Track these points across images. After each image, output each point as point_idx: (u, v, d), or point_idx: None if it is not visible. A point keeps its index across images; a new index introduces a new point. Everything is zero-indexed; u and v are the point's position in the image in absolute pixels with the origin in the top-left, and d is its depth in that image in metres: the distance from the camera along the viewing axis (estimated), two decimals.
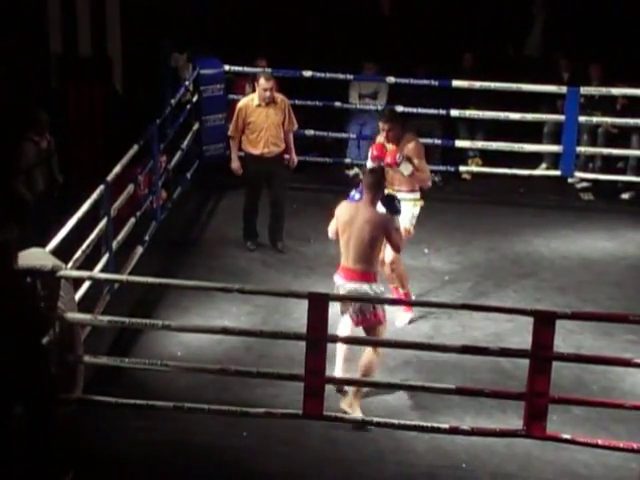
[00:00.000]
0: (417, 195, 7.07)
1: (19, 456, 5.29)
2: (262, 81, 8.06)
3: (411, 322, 7.14)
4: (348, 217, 6.11)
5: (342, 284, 6.11)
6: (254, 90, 9.94)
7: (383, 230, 6.07)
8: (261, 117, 8.08)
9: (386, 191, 6.50)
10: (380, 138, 7.07)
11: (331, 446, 5.84)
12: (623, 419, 5.99)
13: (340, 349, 6.17)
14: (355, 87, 10.02)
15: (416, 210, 7.07)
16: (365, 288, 6.04)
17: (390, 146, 6.92)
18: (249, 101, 8.16)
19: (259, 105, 8.09)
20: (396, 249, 6.30)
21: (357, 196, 6.30)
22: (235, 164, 8.25)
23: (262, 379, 6.10)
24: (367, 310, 6.03)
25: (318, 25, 10.71)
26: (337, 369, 6.14)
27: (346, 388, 6.07)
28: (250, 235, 8.31)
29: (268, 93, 8.06)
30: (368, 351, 6.07)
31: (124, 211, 7.58)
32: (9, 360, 5.11)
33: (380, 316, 6.08)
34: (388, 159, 6.84)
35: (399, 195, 6.62)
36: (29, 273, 5.47)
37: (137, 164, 8.19)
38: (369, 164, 6.96)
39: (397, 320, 7.02)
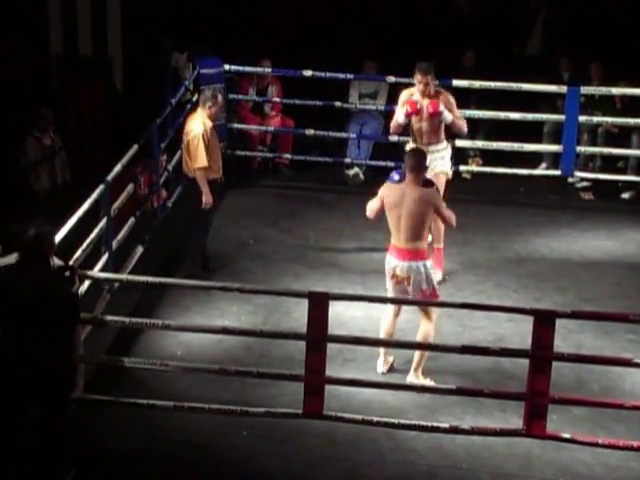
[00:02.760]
0: (445, 144, 7.56)
1: (24, 455, 5.30)
2: (221, 99, 7.76)
3: (412, 322, 7.13)
4: (396, 198, 6.29)
5: (397, 264, 6.26)
6: (259, 91, 9.97)
7: (433, 206, 6.29)
8: (215, 140, 7.64)
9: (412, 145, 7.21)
10: (414, 93, 7.49)
11: (331, 446, 5.84)
12: (623, 418, 6.00)
13: (384, 325, 6.45)
14: (355, 86, 10.02)
15: (449, 155, 7.60)
16: (419, 265, 6.23)
17: (423, 100, 7.38)
18: (209, 126, 7.56)
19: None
20: (447, 223, 6.49)
21: (396, 177, 6.47)
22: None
23: (262, 379, 6.11)
24: (426, 287, 6.22)
25: (319, 24, 10.72)
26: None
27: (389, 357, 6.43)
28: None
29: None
30: (425, 322, 6.31)
31: (124, 210, 7.58)
32: (44, 356, 5.12)
33: (437, 292, 6.32)
34: (430, 109, 7.36)
35: (430, 147, 7.31)
36: (66, 268, 5.43)
37: (137, 164, 8.19)
38: (400, 119, 7.43)
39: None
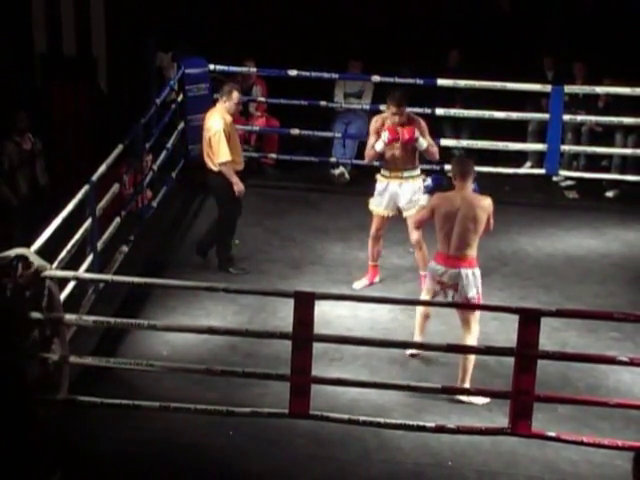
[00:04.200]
0: (419, 170, 7.51)
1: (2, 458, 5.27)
2: (237, 94, 7.80)
3: (397, 321, 7.15)
4: (452, 207, 6.29)
5: (444, 271, 6.30)
6: (244, 91, 9.94)
7: (488, 213, 6.33)
8: (235, 134, 7.83)
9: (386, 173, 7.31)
10: (386, 119, 7.37)
11: (317, 445, 5.84)
12: (608, 416, 6.02)
13: (419, 324, 6.61)
14: (340, 86, 10.03)
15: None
16: (468, 273, 6.28)
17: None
18: (228, 120, 7.66)
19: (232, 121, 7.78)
20: (487, 231, 6.47)
21: (429, 183, 6.80)
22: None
23: (248, 378, 6.10)
24: (472, 295, 6.27)
25: (303, 24, 10.72)
26: (415, 337, 6.59)
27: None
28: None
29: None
30: (466, 333, 6.30)
31: (109, 211, 7.57)
32: None
33: (480, 299, 6.36)
34: (406, 136, 7.27)
35: (406, 173, 7.34)
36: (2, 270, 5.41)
37: (122, 164, 8.17)
38: (379, 147, 7.33)
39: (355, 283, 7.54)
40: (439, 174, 7.02)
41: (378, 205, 7.50)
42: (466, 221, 6.27)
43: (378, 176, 7.54)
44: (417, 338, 6.59)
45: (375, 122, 7.45)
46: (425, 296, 6.49)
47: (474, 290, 6.30)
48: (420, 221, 6.68)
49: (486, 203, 6.36)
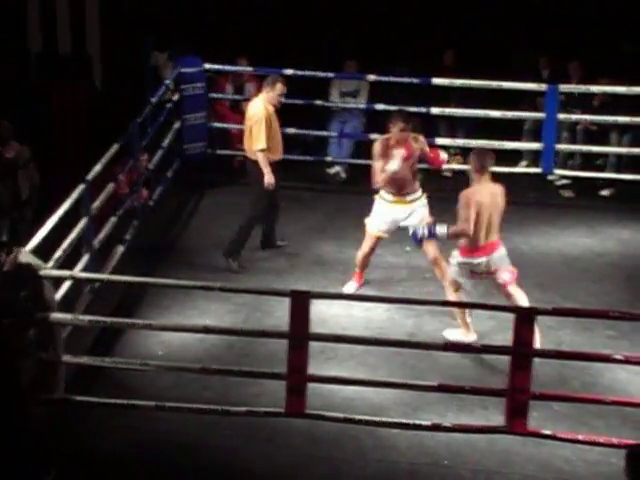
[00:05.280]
0: (420, 191, 7.38)
1: None
2: (281, 86, 7.87)
3: (392, 320, 7.16)
4: (489, 198, 6.60)
5: (486, 261, 6.61)
6: (236, 89, 9.97)
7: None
8: (276, 123, 7.94)
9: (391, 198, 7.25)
10: (390, 139, 7.19)
11: (313, 444, 5.84)
12: (603, 414, 6.03)
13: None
14: (336, 85, 10.02)
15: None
16: (502, 252, 6.69)
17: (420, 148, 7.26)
18: (270, 110, 7.81)
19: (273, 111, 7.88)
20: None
21: (422, 232, 6.84)
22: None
23: (244, 377, 6.10)
24: (507, 265, 6.67)
25: (299, 23, 10.72)
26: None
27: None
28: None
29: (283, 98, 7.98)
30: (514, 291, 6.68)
31: (105, 210, 7.56)
32: None
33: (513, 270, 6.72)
34: (405, 154, 7.14)
35: (409, 197, 7.22)
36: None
37: (118, 163, 8.17)
38: (395, 166, 7.10)
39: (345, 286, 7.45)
40: (433, 226, 6.78)
41: (378, 228, 7.29)
42: (493, 211, 6.58)
43: (377, 198, 7.30)
44: (470, 335, 6.77)
45: (379, 145, 7.20)
46: (454, 294, 6.72)
47: (506, 270, 6.64)
48: (471, 221, 6.51)
49: (501, 189, 6.68)
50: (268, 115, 7.75)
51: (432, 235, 6.78)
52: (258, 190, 7.85)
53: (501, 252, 6.68)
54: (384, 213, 7.28)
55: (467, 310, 6.75)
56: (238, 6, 10.72)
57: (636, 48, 9.77)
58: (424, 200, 7.31)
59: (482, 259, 6.62)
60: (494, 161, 6.76)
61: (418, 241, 6.91)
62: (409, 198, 7.25)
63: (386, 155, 7.16)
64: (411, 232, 6.99)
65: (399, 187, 7.21)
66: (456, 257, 6.72)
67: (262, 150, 7.73)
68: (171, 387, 6.21)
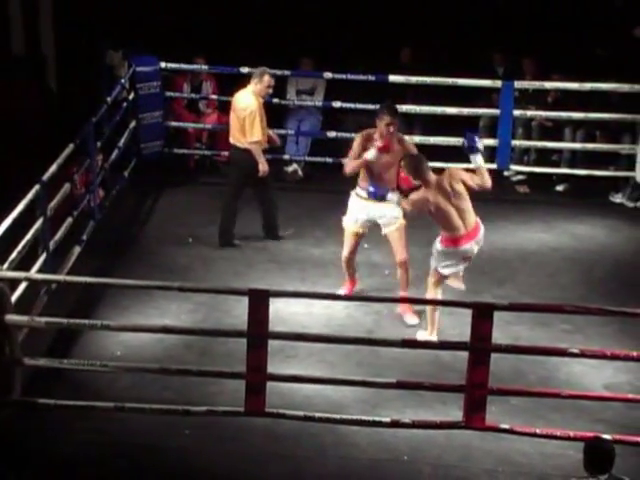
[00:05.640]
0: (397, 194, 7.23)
1: None
2: (269, 78, 8.03)
3: (352, 317, 7.18)
4: (438, 194, 6.61)
5: (472, 247, 6.73)
6: (193, 88, 9.93)
7: (458, 178, 6.74)
8: (264, 115, 8.13)
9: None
10: (373, 134, 7.04)
11: (274, 442, 5.85)
12: (560, 408, 6.10)
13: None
14: (292, 83, 10.03)
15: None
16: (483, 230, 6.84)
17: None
18: (260, 102, 8.04)
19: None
20: (483, 186, 6.89)
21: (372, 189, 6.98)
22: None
23: (203, 377, 6.09)
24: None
25: (254, 21, 10.70)
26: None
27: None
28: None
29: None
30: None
31: (61, 211, 7.50)
32: None
33: None
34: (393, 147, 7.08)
35: (390, 195, 7.09)
36: None
37: (73, 163, 8.10)
38: (371, 155, 7.01)
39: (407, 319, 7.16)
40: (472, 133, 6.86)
41: (354, 222, 7.17)
42: (450, 200, 6.61)
43: (354, 195, 7.18)
44: (434, 334, 6.75)
45: (360, 137, 7.09)
46: (434, 289, 6.78)
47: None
48: (406, 209, 6.83)
49: (448, 173, 6.70)
50: (259, 107, 7.97)
51: (474, 145, 6.77)
52: (236, 176, 8.18)
53: (481, 232, 6.78)
54: (358, 210, 7.15)
55: (438, 308, 6.73)
56: (193, 5, 10.67)
57: (606, 51, 9.85)
58: (396, 197, 7.08)
59: (467, 246, 6.69)
60: (426, 162, 6.72)
61: (473, 142, 6.81)
62: (390, 196, 7.06)
63: (365, 148, 7.04)
64: (466, 138, 6.87)
65: (383, 181, 7.03)
66: (438, 247, 6.73)
67: (257, 142, 7.96)
68: (130, 388, 6.18)
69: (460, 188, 6.67)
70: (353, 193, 7.25)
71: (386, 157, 7.03)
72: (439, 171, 6.65)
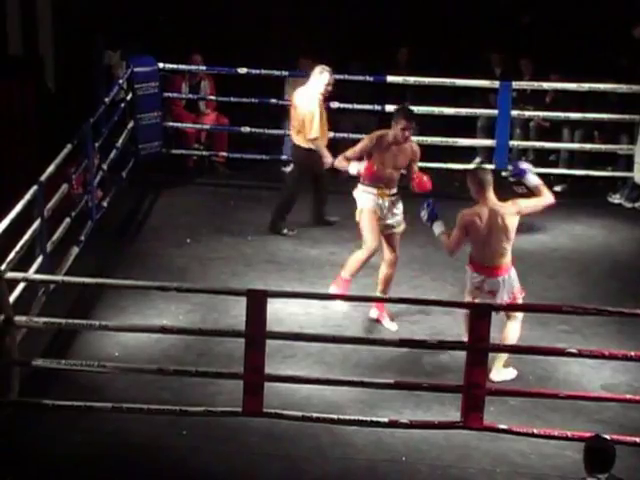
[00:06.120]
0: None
1: None
2: (328, 75, 8.19)
3: (350, 318, 7.18)
4: (481, 221, 6.26)
5: (482, 279, 6.27)
6: (191, 88, 9.93)
7: (519, 211, 6.45)
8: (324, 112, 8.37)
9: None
10: (391, 137, 6.89)
11: (272, 443, 5.85)
12: (558, 408, 6.10)
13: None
14: (290, 84, 10.02)
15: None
16: (505, 279, 6.34)
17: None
18: (320, 100, 8.25)
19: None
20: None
21: (426, 213, 6.56)
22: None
23: (201, 377, 6.09)
24: (506, 297, 6.30)
25: (253, 22, 10.71)
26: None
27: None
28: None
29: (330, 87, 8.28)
30: (513, 325, 6.37)
31: (58, 211, 7.49)
32: None
33: (517, 297, 6.40)
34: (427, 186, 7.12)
35: (392, 191, 7.05)
36: None
37: (71, 163, 8.10)
38: (353, 170, 6.95)
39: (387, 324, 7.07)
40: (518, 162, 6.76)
41: (373, 204, 6.98)
42: (498, 233, 6.25)
43: (361, 192, 7.03)
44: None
45: (369, 139, 6.94)
46: (467, 298, 6.37)
47: (507, 295, 6.28)
48: (457, 244, 6.30)
49: (513, 209, 6.36)
50: (320, 105, 8.22)
51: (522, 170, 6.57)
52: (298, 172, 8.47)
53: (505, 280, 6.31)
54: (371, 198, 7.00)
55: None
56: (192, 4, 10.68)
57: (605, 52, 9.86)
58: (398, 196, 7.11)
59: (478, 276, 6.30)
60: (492, 178, 6.39)
61: (519, 171, 6.68)
62: (392, 192, 7.04)
63: (369, 153, 6.88)
64: (512, 165, 6.80)
65: (385, 183, 6.98)
66: (468, 270, 6.47)
67: (315, 138, 8.20)
68: (128, 388, 6.18)
69: (512, 226, 6.34)
70: (360, 189, 7.06)
71: (399, 158, 6.95)
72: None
